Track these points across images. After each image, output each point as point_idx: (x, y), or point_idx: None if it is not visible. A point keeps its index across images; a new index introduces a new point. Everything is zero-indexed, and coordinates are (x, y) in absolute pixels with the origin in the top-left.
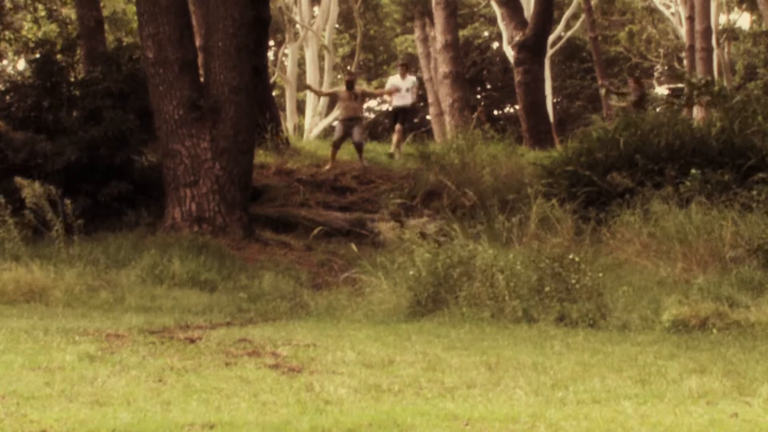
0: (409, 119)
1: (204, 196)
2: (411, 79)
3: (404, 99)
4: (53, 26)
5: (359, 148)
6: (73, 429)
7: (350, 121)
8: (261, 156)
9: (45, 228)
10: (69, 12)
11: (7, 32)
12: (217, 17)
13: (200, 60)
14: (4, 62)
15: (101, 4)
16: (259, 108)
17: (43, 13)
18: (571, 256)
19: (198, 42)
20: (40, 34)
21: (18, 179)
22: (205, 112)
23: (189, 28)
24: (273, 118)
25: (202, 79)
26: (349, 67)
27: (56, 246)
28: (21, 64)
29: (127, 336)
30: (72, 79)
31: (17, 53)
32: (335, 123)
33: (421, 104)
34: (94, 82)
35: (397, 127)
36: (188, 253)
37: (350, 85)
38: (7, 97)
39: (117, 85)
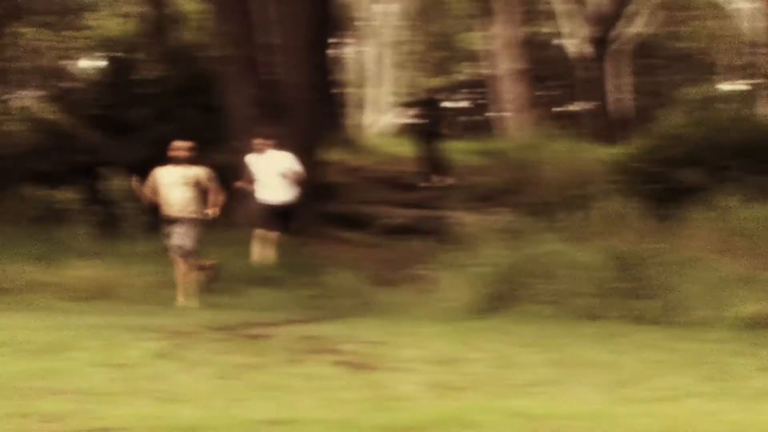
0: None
1: None
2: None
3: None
4: (125, 25)
5: None
6: (139, 426)
7: None
8: (329, 153)
9: (116, 225)
10: (141, 10)
11: (80, 32)
12: (284, 15)
13: (269, 58)
14: (77, 61)
15: (171, 2)
16: (325, 105)
17: (115, 12)
18: (640, 253)
19: (267, 40)
20: (112, 33)
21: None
22: (274, 110)
23: (256, 26)
24: (341, 115)
25: (269, 77)
26: None
27: (126, 243)
28: (92, 63)
29: (194, 333)
30: (142, 78)
31: (89, 52)
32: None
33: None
34: (163, 80)
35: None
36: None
37: None
38: (80, 96)
39: (186, 83)
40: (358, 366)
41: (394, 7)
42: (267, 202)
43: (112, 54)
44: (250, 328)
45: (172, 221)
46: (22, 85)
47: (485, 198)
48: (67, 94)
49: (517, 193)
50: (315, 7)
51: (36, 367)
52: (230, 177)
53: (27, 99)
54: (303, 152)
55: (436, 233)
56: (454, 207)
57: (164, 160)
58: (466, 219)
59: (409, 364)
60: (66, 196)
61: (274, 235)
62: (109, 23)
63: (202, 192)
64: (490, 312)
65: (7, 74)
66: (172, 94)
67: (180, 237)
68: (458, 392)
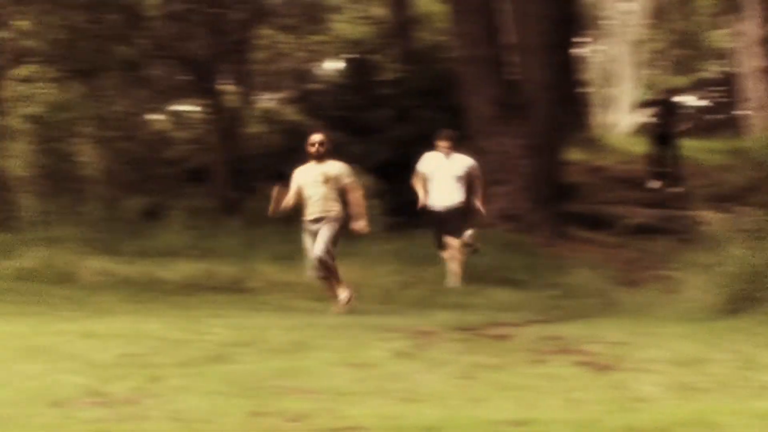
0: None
1: (514, 194)
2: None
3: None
4: (367, 27)
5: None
6: (381, 425)
7: None
8: (570, 153)
9: None
10: (382, 12)
11: (322, 34)
12: (528, 14)
13: (510, 58)
14: (319, 64)
15: (412, 4)
16: (568, 104)
17: (356, 14)
18: None
19: (508, 39)
20: (353, 35)
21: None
22: (515, 110)
23: (496, 26)
24: (582, 115)
25: (510, 77)
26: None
27: (367, 243)
28: (334, 65)
29: (438, 333)
30: (383, 79)
31: (331, 54)
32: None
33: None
34: (404, 81)
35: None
36: (498, 250)
37: None
38: (321, 98)
39: (426, 84)
40: (600, 367)
41: (636, 6)
42: (438, 208)
43: (352, 56)
44: (491, 328)
45: (313, 223)
46: (266, 88)
47: (729, 197)
48: (309, 95)
49: (761, 191)
50: (556, 5)
51: (279, 366)
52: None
53: (270, 101)
54: (544, 152)
55: (679, 233)
56: (696, 206)
57: (404, 160)
58: (710, 218)
59: (651, 364)
60: None
61: (452, 241)
62: (350, 25)
63: (340, 191)
64: (733, 312)
65: (251, 77)
66: (412, 95)
67: (311, 246)
68: (701, 393)
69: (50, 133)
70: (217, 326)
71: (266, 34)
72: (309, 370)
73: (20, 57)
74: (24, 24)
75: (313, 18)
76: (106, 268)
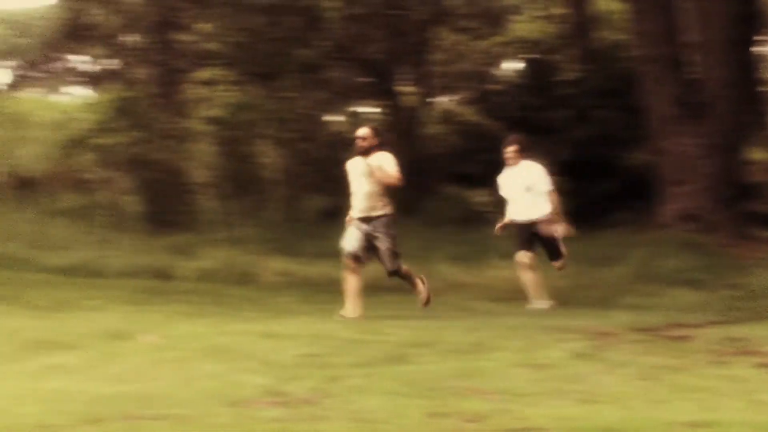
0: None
1: (695, 194)
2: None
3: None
4: (546, 27)
5: None
6: (559, 426)
7: None
8: (751, 152)
9: None
10: (561, 11)
11: (501, 35)
12: (710, 12)
13: (690, 56)
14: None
15: (591, 2)
16: (749, 103)
17: (535, 14)
18: None
19: (688, 38)
20: (532, 35)
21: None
22: (695, 109)
23: (677, 25)
24: (763, 114)
25: (691, 76)
26: None
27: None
28: (513, 66)
29: (616, 334)
30: (562, 79)
31: (511, 55)
32: None
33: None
34: (583, 81)
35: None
36: (678, 251)
37: None
38: (500, 98)
39: (605, 84)
40: None
41: None
42: (517, 221)
43: (531, 56)
44: (671, 329)
45: (360, 222)
46: (444, 89)
47: None
48: (488, 96)
49: None
50: (737, 3)
51: (458, 366)
52: (650, 178)
53: (448, 102)
54: (725, 151)
55: None
56: None
57: (583, 161)
58: None
59: None
60: (486, 197)
61: (527, 256)
62: (529, 25)
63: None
64: None
65: (430, 78)
66: (591, 95)
67: (350, 240)
68: None
69: (231, 135)
70: (396, 327)
71: (445, 35)
72: (487, 370)
73: (201, 60)
74: (205, 27)
75: (492, 19)
76: (286, 269)
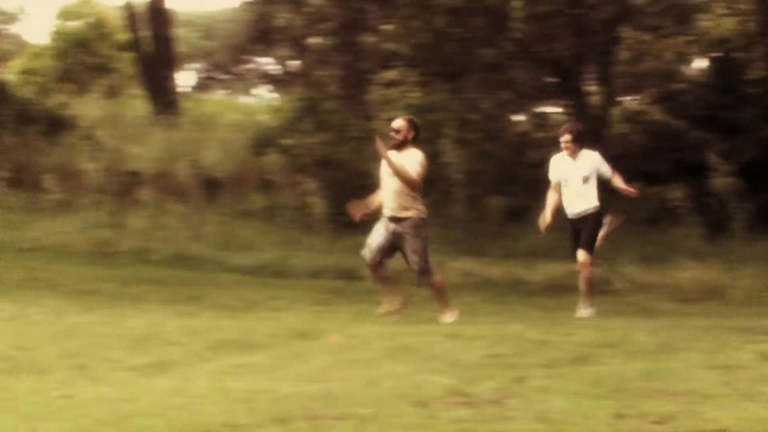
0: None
1: None
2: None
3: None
4: (737, 24)
5: None
6: (751, 429)
7: None
8: None
9: (724, 227)
10: (748, 8)
11: (692, 33)
12: None
13: None
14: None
15: None
16: None
17: (722, 11)
18: None
19: None
20: (718, 33)
21: None
22: None
23: None
24: None
25: None
26: None
27: (734, 244)
28: (701, 64)
29: None
30: (749, 78)
31: (700, 53)
32: None
33: None
34: None
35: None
36: None
37: None
38: (686, 97)
39: None
40: None
41: None
42: (571, 216)
43: (718, 54)
44: None
45: (389, 221)
46: (629, 88)
47: None
48: (673, 95)
49: None
50: None
51: (644, 367)
52: None
53: (633, 101)
54: None
55: None
56: None
57: None
58: None
59: None
60: (675, 196)
61: (580, 256)
62: (716, 23)
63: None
64: None
65: (615, 77)
66: None
67: (371, 239)
68: None
69: None
70: (581, 327)
71: (630, 34)
72: (674, 371)
73: (386, 61)
74: (389, 28)
75: (679, 16)
76: (470, 269)
